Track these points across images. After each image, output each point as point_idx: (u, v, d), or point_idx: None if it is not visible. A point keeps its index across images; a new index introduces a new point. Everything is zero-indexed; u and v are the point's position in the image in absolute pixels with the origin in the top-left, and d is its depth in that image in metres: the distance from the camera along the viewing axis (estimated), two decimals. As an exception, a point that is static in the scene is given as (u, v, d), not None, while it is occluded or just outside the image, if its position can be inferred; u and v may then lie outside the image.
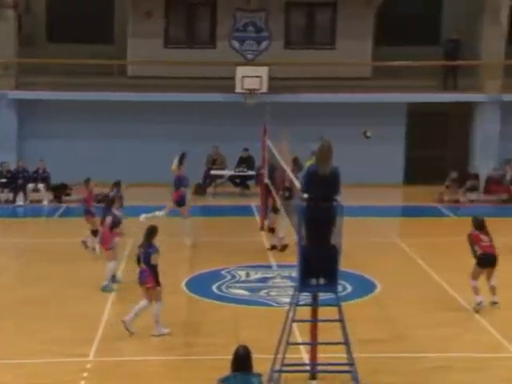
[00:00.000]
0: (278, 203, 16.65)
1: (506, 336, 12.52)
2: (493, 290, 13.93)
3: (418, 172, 28.59)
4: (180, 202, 18.28)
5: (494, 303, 13.90)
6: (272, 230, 18.56)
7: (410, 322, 13.33)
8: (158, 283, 12.70)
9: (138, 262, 12.82)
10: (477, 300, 13.69)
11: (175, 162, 18.54)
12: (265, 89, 25.64)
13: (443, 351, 11.94)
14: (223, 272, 16.40)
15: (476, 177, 25.18)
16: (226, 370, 10.90)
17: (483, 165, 25.82)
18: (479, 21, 27.12)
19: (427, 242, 19.41)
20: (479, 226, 13.91)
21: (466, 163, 27.27)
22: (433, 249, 18.62)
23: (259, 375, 7.53)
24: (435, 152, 28.58)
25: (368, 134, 16.47)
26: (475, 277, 13.72)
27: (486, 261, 13.71)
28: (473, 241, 13.87)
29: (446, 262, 17.22)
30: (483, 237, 13.81)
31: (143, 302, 12.73)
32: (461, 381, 10.87)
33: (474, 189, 25.01)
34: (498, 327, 12.86)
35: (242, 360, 7.59)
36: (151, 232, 12.76)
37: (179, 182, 18.38)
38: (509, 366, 11.40)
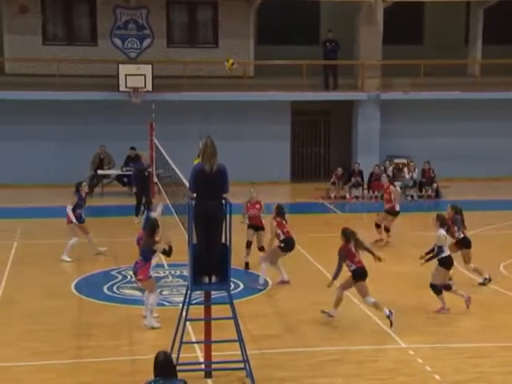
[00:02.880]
0: None
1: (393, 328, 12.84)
2: None
3: (304, 169, 29.09)
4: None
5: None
6: None
7: (300, 316, 13.49)
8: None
9: None
10: (386, 313, 13.08)
11: None
12: (149, 87, 25.46)
13: (333, 345, 12.14)
14: (114, 272, 16.17)
15: (360, 173, 25.65)
16: (113, 372, 10.83)
17: (366, 162, 26.38)
18: (356, 22, 27.73)
19: (316, 238, 19.67)
20: None
21: (350, 160, 27.86)
22: (322, 245, 18.85)
23: (184, 382, 7.47)
24: (320, 150, 29.16)
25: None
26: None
27: None
28: None
29: (336, 258, 17.44)
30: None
31: (146, 295, 12.97)
32: (350, 373, 11.08)
33: (358, 185, 25.49)
34: (384, 320, 13.15)
35: (162, 365, 7.47)
36: (153, 226, 12.88)
37: None
38: (394, 357, 11.68)
